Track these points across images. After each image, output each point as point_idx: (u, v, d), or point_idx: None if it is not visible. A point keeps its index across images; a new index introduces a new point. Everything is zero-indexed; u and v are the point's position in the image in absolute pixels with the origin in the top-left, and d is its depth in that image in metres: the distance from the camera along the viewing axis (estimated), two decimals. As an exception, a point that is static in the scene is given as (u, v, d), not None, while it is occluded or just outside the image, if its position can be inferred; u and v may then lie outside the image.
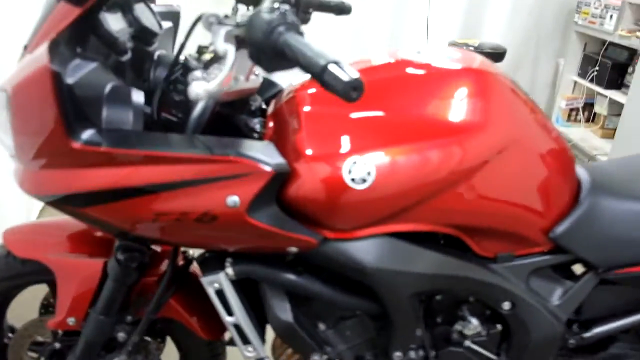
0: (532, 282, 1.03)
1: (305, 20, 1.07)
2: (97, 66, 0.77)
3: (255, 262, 0.95)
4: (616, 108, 3.25)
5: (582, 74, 3.44)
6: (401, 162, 0.83)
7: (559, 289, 1.06)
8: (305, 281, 0.95)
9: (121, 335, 1.09)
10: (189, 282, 1.11)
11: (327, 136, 0.84)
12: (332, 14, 1.17)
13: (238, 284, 0.97)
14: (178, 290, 1.09)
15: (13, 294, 1.21)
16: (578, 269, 1.09)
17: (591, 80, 3.33)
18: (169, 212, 0.80)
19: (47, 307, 1.26)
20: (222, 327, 1.13)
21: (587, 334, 1.10)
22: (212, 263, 0.97)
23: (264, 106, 1.03)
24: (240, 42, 0.73)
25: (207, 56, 0.86)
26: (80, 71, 0.74)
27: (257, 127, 0.94)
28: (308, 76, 0.96)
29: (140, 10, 0.91)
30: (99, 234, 1.08)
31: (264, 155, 0.80)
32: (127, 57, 0.86)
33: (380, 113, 0.86)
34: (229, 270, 0.94)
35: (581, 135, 3.46)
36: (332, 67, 0.63)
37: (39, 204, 2.32)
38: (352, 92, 0.63)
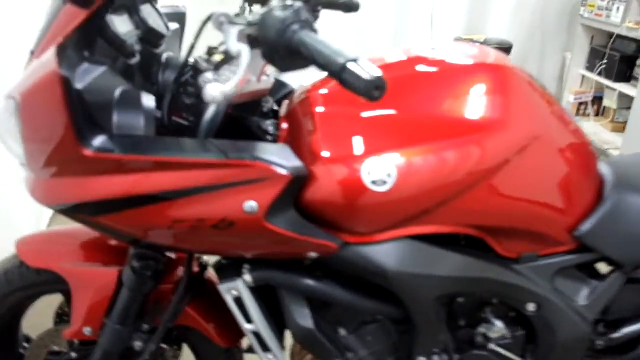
0: (557, 282, 1.00)
1: (315, 18, 1.05)
2: (105, 70, 0.75)
3: (273, 268, 0.92)
4: (626, 101, 3.22)
5: (590, 67, 3.41)
6: (422, 162, 0.81)
7: (585, 289, 1.03)
8: (326, 286, 0.93)
9: (138, 345, 1.07)
10: (204, 289, 1.10)
11: (344, 137, 0.82)
12: (341, 11, 1.15)
13: (256, 290, 0.95)
14: (194, 297, 1.07)
15: (27, 304, 1.20)
16: (603, 268, 1.06)
17: (599, 74, 3.29)
18: (185, 219, 0.78)
19: (62, 316, 1.24)
20: (239, 334, 1.11)
21: (616, 335, 1.08)
22: (229, 270, 0.95)
23: (275, 108, 1.01)
24: (252, 42, 0.71)
25: (217, 57, 0.84)
26: (89, 76, 0.72)
27: (270, 129, 0.91)
28: (320, 76, 0.95)
29: (147, 11, 0.89)
30: (112, 242, 1.06)
31: (281, 158, 0.78)
32: (135, 60, 0.84)
33: (397, 112, 0.84)
34: (247, 277, 0.92)
35: (591, 129, 3.43)
36: (352, 66, 0.61)
37: (49, 212, 2.30)
38: (374, 91, 0.61)
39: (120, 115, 0.75)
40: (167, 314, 1.02)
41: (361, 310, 0.98)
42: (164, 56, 0.92)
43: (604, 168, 1.04)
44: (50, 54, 0.69)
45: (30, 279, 1.08)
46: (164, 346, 1.17)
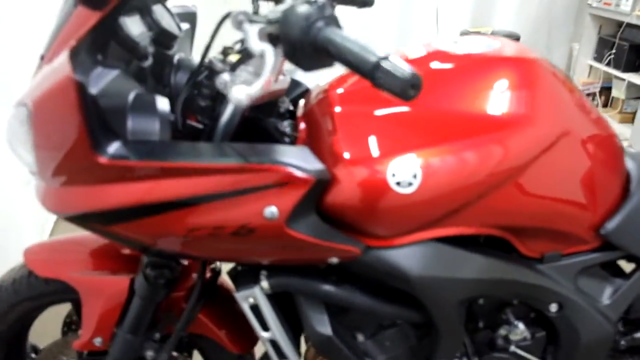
0: (581, 281, 0.97)
1: None
2: (119, 74, 0.71)
3: (291, 273, 0.89)
4: (634, 91, 3.18)
5: (598, 57, 3.36)
6: (448, 161, 0.78)
7: (609, 288, 1.00)
8: (345, 292, 0.90)
9: (149, 354, 1.04)
10: (216, 295, 1.07)
11: (365, 137, 0.78)
12: (355, 6, 1.11)
13: (273, 297, 0.91)
14: (206, 304, 1.04)
15: (35, 314, 1.17)
16: (625, 265, 1.03)
17: (608, 64, 3.25)
18: (203, 227, 0.75)
19: (70, 325, 1.22)
20: (252, 340, 1.10)
21: (639, 334, 1.05)
22: (245, 277, 0.92)
23: (291, 107, 0.97)
24: (272, 40, 0.67)
25: (233, 57, 0.80)
26: (102, 80, 0.68)
27: (288, 130, 0.88)
28: (336, 74, 0.91)
29: (158, 12, 0.85)
30: (123, 249, 1.03)
31: (302, 161, 0.74)
32: (148, 62, 0.80)
33: (420, 109, 0.80)
34: (264, 284, 0.89)
35: (599, 120, 3.38)
36: (385, 64, 0.57)
37: (53, 216, 2.28)
38: (410, 90, 0.57)
39: (134, 120, 0.71)
40: (180, 322, 0.99)
41: (380, 315, 0.96)
42: (176, 57, 0.88)
43: (628, 162, 1.01)
44: (63, 59, 0.66)
45: (39, 289, 1.05)
46: (175, 354, 1.14)
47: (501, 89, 0.81)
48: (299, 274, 0.89)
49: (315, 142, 0.81)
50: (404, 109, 0.80)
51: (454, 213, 0.81)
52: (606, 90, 3.48)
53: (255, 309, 0.92)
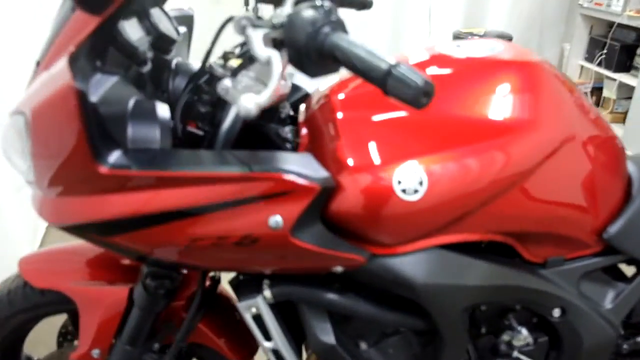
0: (583, 286, 0.96)
1: None
2: (118, 80, 0.69)
3: (294, 282, 0.88)
4: (625, 91, 3.20)
5: (589, 57, 3.38)
6: (453, 168, 0.76)
7: (611, 292, 1.00)
8: (349, 300, 0.88)
9: None
10: (216, 304, 1.05)
11: (369, 144, 0.77)
12: (354, 9, 1.09)
13: (275, 306, 0.90)
14: (206, 313, 1.02)
15: (30, 325, 1.14)
16: (626, 268, 1.03)
17: (599, 64, 3.26)
18: (206, 237, 0.73)
19: (65, 336, 1.19)
20: (252, 349, 1.08)
21: None
22: (247, 286, 0.90)
23: (291, 113, 0.95)
24: (276, 45, 0.66)
25: (233, 62, 0.79)
26: (102, 87, 0.66)
27: (289, 136, 0.86)
28: (334, 79, 0.90)
29: (156, 15, 0.83)
30: (123, 259, 1.01)
31: (307, 169, 0.73)
32: (147, 68, 0.78)
33: (424, 115, 0.79)
34: (267, 293, 0.87)
35: (591, 120, 3.40)
36: (397, 71, 0.56)
37: (45, 223, 2.24)
38: (422, 98, 0.56)
39: (134, 128, 0.69)
40: (180, 333, 0.97)
41: (384, 323, 0.94)
42: (174, 62, 0.86)
43: (629, 165, 1.00)
44: (62, 65, 0.63)
45: (34, 300, 1.02)
46: (173, 363, 1.12)
47: (506, 93, 0.80)
48: (302, 282, 0.88)
49: (318, 149, 0.80)
50: (408, 114, 0.79)
51: (458, 220, 0.80)
52: (597, 90, 3.50)
53: (257, 318, 0.90)
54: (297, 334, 0.95)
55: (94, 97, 0.65)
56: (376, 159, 0.76)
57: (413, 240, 0.81)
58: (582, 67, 3.48)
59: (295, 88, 0.98)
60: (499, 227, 0.85)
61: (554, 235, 0.89)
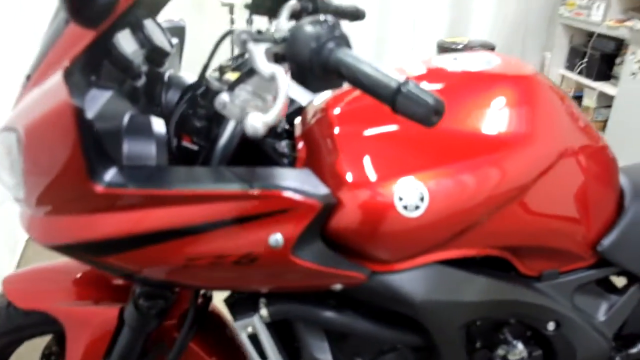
0: (577, 299, 0.97)
1: None
2: (113, 95, 0.67)
3: (291, 300, 0.86)
4: (604, 100, 3.25)
5: (570, 66, 3.43)
6: (454, 183, 0.76)
7: (604, 305, 1.00)
8: (346, 317, 0.87)
9: None
10: (207, 322, 1.03)
11: (369, 159, 0.76)
12: (347, 20, 1.09)
13: (272, 325, 0.88)
14: (197, 332, 0.99)
15: (12, 348, 1.09)
16: (617, 281, 1.04)
17: (579, 73, 3.32)
18: (204, 256, 0.70)
19: (49, 357, 1.15)
20: (244, 367, 1.05)
21: (634, 350, 1.06)
22: (243, 305, 0.88)
23: (286, 126, 0.93)
24: (278, 60, 0.64)
25: (229, 76, 0.77)
26: (97, 102, 0.64)
27: (286, 150, 0.84)
28: (329, 92, 0.89)
29: (149, 27, 0.81)
30: (112, 278, 0.98)
31: (307, 186, 0.71)
32: (141, 81, 0.76)
33: (422, 129, 0.78)
34: (264, 312, 0.85)
35: (572, 128, 3.45)
36: (407, 89, 0.55)
37: (24, 237, 2.18)
38: (433, 116, 0.55)
39: (130, 144, 0.67)
40: (172, 353, 0.94)
41: (381, 340, 0.93)
42: (166, 74, 0.84)
43: (621, 176, 1.01)
44: (57, 81, 0.61)
45: (18, 321, 0.98)
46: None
47: (505, 107, 0.80)
48: (299, 300, 0.86)
49: (316, 164, 0.78)
50: (407, 129, 0.78)
51: (458, 235, 0.80)
52: (577, 99, 3.55)
53: (253, 338, 0.88)
54: (292, 353, 0.93)
55: (89, 113, 0.62)
56: (376, 175, 0.74)
57: (412, 256, 0.80)
58: (563, 76, 3.54)
59: (289, 101, 0.97)
60: (497, 241, 0.84)
61: (549, 249, 0.89)
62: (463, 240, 0.80)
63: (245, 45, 0.63)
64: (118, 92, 0.68)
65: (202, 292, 1.02)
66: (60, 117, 0.61)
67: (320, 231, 0.76)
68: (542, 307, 0.92)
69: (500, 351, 0.97)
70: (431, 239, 0.78)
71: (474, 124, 0.79)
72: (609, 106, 3.12)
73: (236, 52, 0.77)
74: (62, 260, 0.98)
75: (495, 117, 0.79)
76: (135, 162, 0.68)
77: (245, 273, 0.74)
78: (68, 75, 0.61)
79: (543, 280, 0.92)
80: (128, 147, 0.67)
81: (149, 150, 0.68)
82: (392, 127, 0.79)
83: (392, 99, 0.56)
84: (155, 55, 0.80)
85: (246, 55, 0.82)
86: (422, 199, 0.74)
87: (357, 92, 0.86)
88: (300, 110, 0.95)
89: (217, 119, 0.77)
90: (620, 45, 3.10)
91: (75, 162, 0.63)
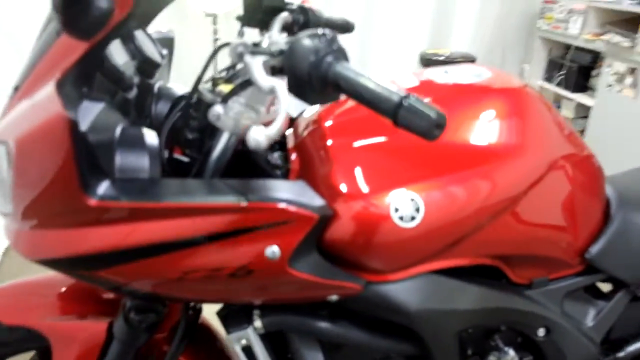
0: (566, 305, 0.99)
1: None
2: (105, 107, 0.66)
3: (285, 312, 0.85)
4: (582, 110, 3.32)
5: (548, 78, 3.50)
6: (449, 194, 0.76)
7: (592, 310, 1.02)
8: (341, 328, 0.87)
9: None
10: (197, 335, 1.01)
11: (363, 170, 0.76)
12: (337, 32, 1.09)
13: (266, 337, 0.87)
14: (187, 345, 0.98)
15: None
16: (604, 286, 1.06)
17: (558, 84, 3.39)
18: (199, 269, 0.69)
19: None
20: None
21: (621, 354, 1.08)
22: (237, 318, 0.86)
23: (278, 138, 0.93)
24: (274, 73, 0.64)
25: (223, 87, 0.77)
26: (89, 115, 0.62)
27: (279, 162, 0.84)
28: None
29: (140, 38, 0.80)
30: (101, 292, 0.96)
31: (303, 197, 0.71)
32: (133, 93, 0.75)
33: (416, 141, 0.79)
34: (258, 324, 0.84)
35: (550, 138, 3.51)
36: (409, 103, 0.55)
37: (3, 244, 2.13)
38: (435, 130, 0.56)
39: (122, 157, 0.66)
40: None
41: (375, 349, 0.93)
42: (156, 86, 0.83)
43: (607, 186, 1.03)
44: (50, 93, 0.59)
45: (2, 337, 0.94)
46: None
47: (498, 119, 0.82)
48: (293, 311, 0.86)
49: (310, 175, 0.78)
50: (400, 140, 0.79)
51: (452, 245, 0.80)
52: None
53: (247, 350, 0.87)
54: None
55: (83, 126, 0.61)
56: (372, 186, 0.75)
57: (407, 266, 0.80)
58: (541, 87, 3.61)
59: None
60: (490, 250, 0.86)
61: (539, 257, 0.90)
62: (456, 250, 0.81)
63: (242, 57, 0.63)
64: (110, 103, 0.67)
65: (191, 304, 1.00)
66: (53, 129, 0.60)
67: (316, 242, 0.76)
68: (532, 314, 0.93)
69: (492, 357, 0.98)
70: (426, 249, 0.79)
71: (467, 136, 0.80)
72: (586, 116, 3.18)
73: (221, 65, 0.77)
74: (46, 274, 0.96)
75: (488, 129, 0.81)
76: (128, 174, 0.67)
77: (241, 285, 0.73)
78: (60, 87, 0.60)
79: (533, 287, 0.94)
80: (121, 159, 0.66)
81: (141, 163, 0.67)
82: (386, 139, 0.79)
83: (394, 112, 0.56)
84: (147, 67, 0.80)
85: (237, 67, 0.82)
86: (417, 210, 0.74)
87: (349, 104, 0.86)
88: (291, 122, 0.95)
89: (210, 131, 0.77)
90: (596, 58, 3.18)
91: (68, 175, 0.61)
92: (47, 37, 0.66)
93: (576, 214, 0.90)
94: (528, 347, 1.00)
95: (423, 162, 0.78)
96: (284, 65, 0.62)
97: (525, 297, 0.93)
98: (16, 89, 0.69)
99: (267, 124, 0.83)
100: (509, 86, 0.88)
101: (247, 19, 0.90)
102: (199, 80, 0.75)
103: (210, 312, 1.04)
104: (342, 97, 0.65)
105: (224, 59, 0.75)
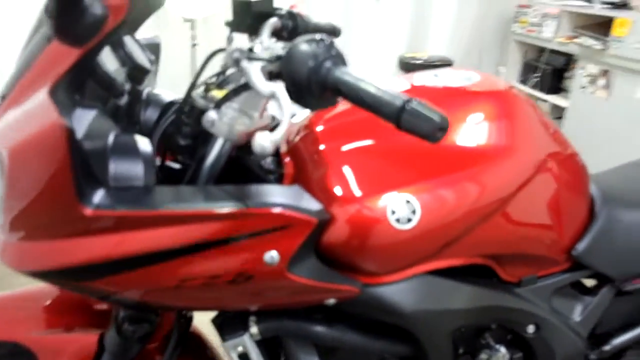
0: (554, 301, 1.01)
1: None
2: (97, 114, 0.64)
3: (282, 317, 0.85)
4: (556, 111, 3.40)
5: (524, 80, 3.57)
6: (444, 195, 0.77)
7: (579, 306, 1.05)
8: (337, 331, 0.87)
9: None
10: (189, 343, 1.00)
11: (358, 174, 0.76)
12: None
13: (262, 343, 0.86)
14: (179, 354, 0.96)
15: None
16: (589, 282, 1.08)
17: (533, 86, 3.46)
18: (197, 277, 0.68)
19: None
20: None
21: (607, 347, 1.11)
22: (232, 325, 0.86)
23: None
24: (272, 78, 0.64)
25: (215, 93, 0.76)
26: (83, 122, 0.61)
27: (272, 167, 0.84)
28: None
29: (129, 45, 0.79)
30: (91, 303, 0.94)
31: (301, 202, 0.71)
32: (124, 99, 0.74)
33: (410, 144, 0.80)
34: (254, 330, 0.84)
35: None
36: (411, 107, 0.56)
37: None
38: (438, 132, 0.56)
39: (116, 165, 0.64)
40: None
41: (370, 351, 0.93)
42: (145, 92, 0.82)
43: (591, 184, 1.06)
44: (43, 100, 0.58)
45: None
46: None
47: (489, 121, 0.83)
48: (289, 316, 0.85)
49: (305, 180, 0.78)
50: (394, 143, 0.79)
51: (446, 246, 0.81)
52: (531, 110, 3.69)
53: (243, 357, 0.86)
54: None
55: (78, 134, 0.60)
56: (367, 189, 0.75)
57: (403, 268, 0.81)
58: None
59: (272, 118, 0.97)
60: (482, 250, 0.87)
61: (528, 255, 0.92)
62: (450, 250, 0.82)
63: (239, 63, 0.63)
64: (102, 110, 0.66)
65: (183, 312, 0.99)
66: (49, 137, 0.58)
67: (314, 247, 0.76)
68: (522, 311, 0.95)
69: (483, 355, 1.00)
70: (421, 250, 0.79)
71: (461, 138, 0.81)
72: (561, 117, 3.26)
73: (206, 72, 0.76)
74: (30, 286, 0.93)
75: (481, 131, 0.82)
76: (123, 182, 0.65)
77: (239, 292, 0.72)
78: (53, 94, 0.58)
79: (523, 285, 0.96)
80: (115, 167, 0.65)
81: (136, 170, 0.66)
82: (379, 142, 0.80)
83: (397, 116, 0.57)
84: (137, 73, 0.78)
85: (227, 72, 0.81)
86: (414, 212, 0.75)
87: (342, 108, 0.87)
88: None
89: (203, 137, 0.76)
90: (570, 60, 3.26)
91: (64, 184, 0.60)
92: (36, 44, 0.64)
93: (563, 212, 0.92)
94: (518, 344, 1.02)
95: (418, 164, 0.79)
96: (282, 70, 0.62)
97: (516, 295, 0.95)
98: (3, 97, 0.67)
99: (261, 129, 0.83)
100: (497, 89, 0.89)
101: (236, 25, 0.89)
102: (192, 86, 0.74)
103: (200, 320, 1.03)
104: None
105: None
